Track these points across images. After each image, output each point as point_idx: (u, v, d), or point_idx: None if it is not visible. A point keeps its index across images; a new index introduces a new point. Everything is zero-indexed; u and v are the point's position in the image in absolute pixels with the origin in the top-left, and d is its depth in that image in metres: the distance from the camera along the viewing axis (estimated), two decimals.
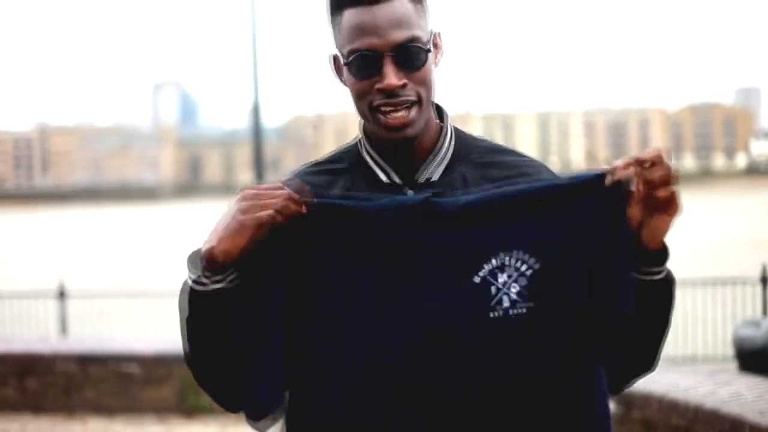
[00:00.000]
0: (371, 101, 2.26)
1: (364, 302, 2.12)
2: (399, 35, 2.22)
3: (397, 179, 2.35)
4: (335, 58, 2.35)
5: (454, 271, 2.08)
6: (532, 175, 2.32)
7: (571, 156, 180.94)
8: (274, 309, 2.14)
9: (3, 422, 9.31)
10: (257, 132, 16.58)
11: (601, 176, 2.07)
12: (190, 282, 2.17)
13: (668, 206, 2.08)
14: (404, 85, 2.23)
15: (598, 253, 2.08)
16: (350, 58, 2.25)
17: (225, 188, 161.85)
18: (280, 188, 2.15)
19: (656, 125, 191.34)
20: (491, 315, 2.08)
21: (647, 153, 2.07)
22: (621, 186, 2.06)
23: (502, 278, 2.07)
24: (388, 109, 2.25)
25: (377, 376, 2.11)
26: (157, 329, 15.32)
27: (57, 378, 9.49)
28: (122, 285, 22.54)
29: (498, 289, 2.07)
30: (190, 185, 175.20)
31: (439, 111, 2.42)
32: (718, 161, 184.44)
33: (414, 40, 2.24)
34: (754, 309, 13.71)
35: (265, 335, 2.14)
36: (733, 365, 11.79)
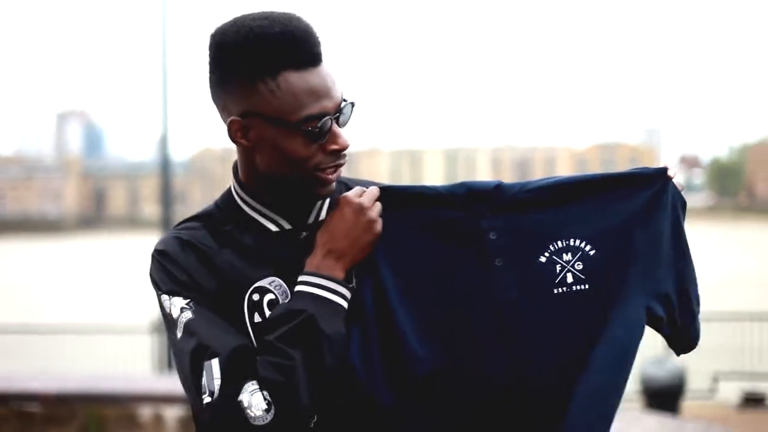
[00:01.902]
0: (318, 163, 2.25)
1: (439, 282, 2.26)
2: (339, 94, 2.25)
3: (287, 225, 2.35)
4: (235, 122, 2.26)
5: (521, 251, 2.23)
6: None
7: None
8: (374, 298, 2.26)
9: None
10: (165, 164, 16.39)
11: (662, 171, 2.27)
12: (339, 301, 2.22)
13: None
14: None
15: (653, 241, 2.25)
16: (315, 125, 2.21)
17: (130, 221, 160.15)
18: (377, 193, 2.30)
19: (563, 163, 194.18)
20: (555, 291, 2.21)
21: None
22: (675, 186, 2.29)
23: (566, 257, 2.22)
24: (334, 168, 2.28)
25: (449, 353, 2.24)
26: (59, 366, 15.05)
27: None
28: (21, 320, 22.08)
29: (562, 267, 2.22)
30: (94, 218, 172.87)
31: None
32: None
33: (345, 99, 2.27)
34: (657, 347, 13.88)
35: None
36: (639, 402, 11.94)
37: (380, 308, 2.24)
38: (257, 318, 2.27)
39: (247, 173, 2.35)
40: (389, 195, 2.30)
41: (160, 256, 2.30)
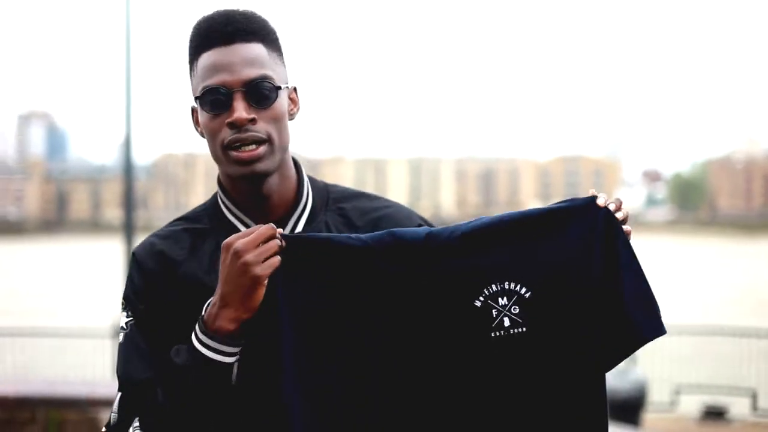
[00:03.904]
0: (223, 139, 2.29)
1: (371, 337, 2.20)
2: (250, 72, 2.28)
3: None
4: (194, 110, 2.40)
5: (454, 297, 2.18)
6: (392, 217, 2.44)
7: (442, 201, 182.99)
8: (288, 352, 2.17)
9: None
10: (128, 168, 16.30)
11: (592, 200, 2.21)
12: (211, 356, 2.16)
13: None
14: (253, 121, 2.27)
15: (596, 273, 2.19)
16: (202, 94, 2.29)
17: (92, 224, 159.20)
18: (269, 232, 2.18)
19: (526, 174, 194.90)
20: (493, 335, 2.17)
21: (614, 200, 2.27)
22: (610, 211, 2.22)
23: (502, 301, 2.17)
24: (238, 144, 2.28)
25: (382, 405, 2.19)
26: (19, 369, 14.91)
27: None
28: None
29: (499, 312, 2.17)
30: (56, 221, 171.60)
31: (295, 164, 2.46)
32: None
33: (265, 78, 2.29)
34: None
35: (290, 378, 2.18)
36: None
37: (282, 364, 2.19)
38: None
39: (219, 172, 2.42)
40: (302, 244, 2.22)
41: (132, 259, 2.40)
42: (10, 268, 64.09)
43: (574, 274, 2.20)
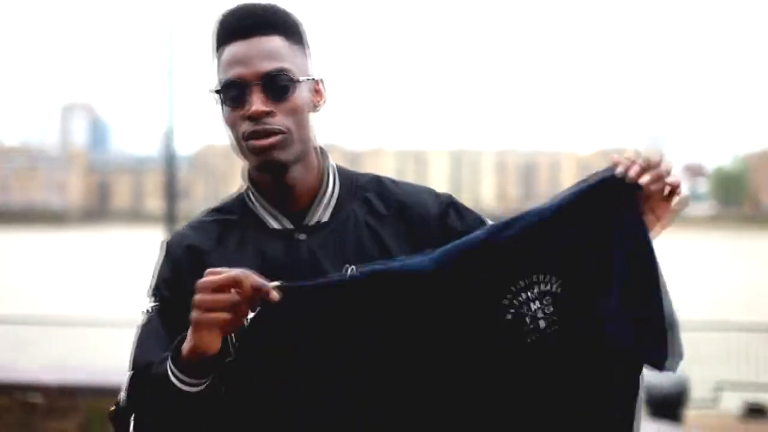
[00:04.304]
0: (242, 132, 2.30)
1: (398, 369, 2.10)
2: (267, 65, 2.30)
3: (288, 224, 2.38)
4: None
5: (480, 312, 2.09)
6: (415, 206, 2.41)
7: (482, 194, 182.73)
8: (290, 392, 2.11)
9: None
10: (170, 159, 16.39)
11: (610, 178, 2.11)
12: (178, 384, 2.12)
13: (676, 191, 2.21)
14: (270, 113, 2.28)
15: (620, 253, 2.08)
16: (221, 88, 2.32)
17: (134, 215, 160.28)
18: (228, 282, 2.07)
19: (567, 167, 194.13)
20: (528, 340, 2.08)
21: (651, 157, 2.19)
22: (630, 184, 2.11)
23: (534, 306, 2.08)
24: (255, 136, 2.29)
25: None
26: (61, 358, 15.03)
27: None
28: (24, 311, 22.09)
29: (532, 318, 2.08)
30: (98, 210, 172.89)
31: (321, 153, 2.46)
32: None
33: (282, 71, 2.30)
34: None
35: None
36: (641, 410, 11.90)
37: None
38: None
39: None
40: (301, 292, 2.13)
41: (162, 248, 2.42)
42: (52, 257, 64.61)
43: (601, 261, 2.09)
